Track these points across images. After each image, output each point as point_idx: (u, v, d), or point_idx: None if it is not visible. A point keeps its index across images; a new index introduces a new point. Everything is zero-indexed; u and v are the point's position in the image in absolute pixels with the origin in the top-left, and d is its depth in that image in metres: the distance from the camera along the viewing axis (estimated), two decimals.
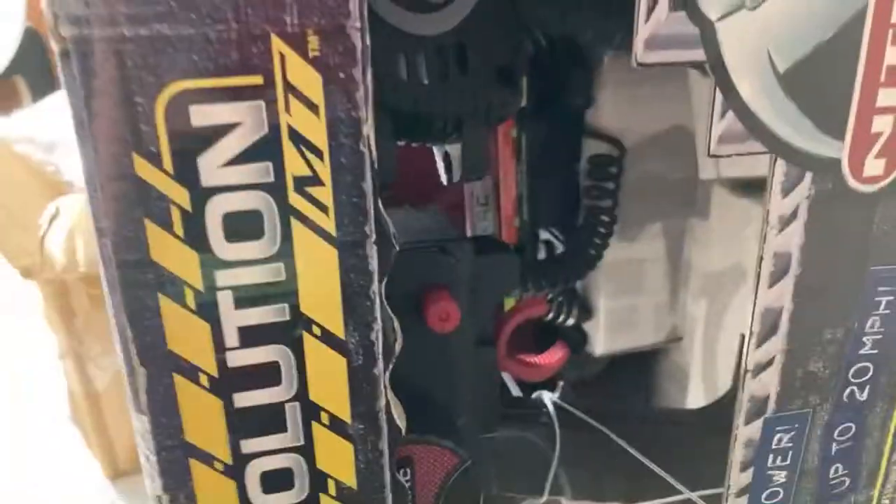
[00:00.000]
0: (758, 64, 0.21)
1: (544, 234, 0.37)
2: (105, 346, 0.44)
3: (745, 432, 0.26)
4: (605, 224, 0.34)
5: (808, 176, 0.23)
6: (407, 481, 0.24)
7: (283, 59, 0.17)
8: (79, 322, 0.43)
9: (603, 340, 0.38)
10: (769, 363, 0.25)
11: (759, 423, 0.26)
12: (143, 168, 0.17)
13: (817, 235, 0.24)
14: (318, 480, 0.22)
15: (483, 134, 0.24)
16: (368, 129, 0.18)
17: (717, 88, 0.21)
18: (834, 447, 0.27)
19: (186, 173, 0.17)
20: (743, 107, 0.21)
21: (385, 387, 0.21)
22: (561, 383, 0.31)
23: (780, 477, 0.27)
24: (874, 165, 0.23)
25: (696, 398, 0.37)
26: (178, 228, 0.18)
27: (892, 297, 0.25)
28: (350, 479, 0.22)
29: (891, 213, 0.24)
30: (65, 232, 0.42)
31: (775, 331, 0.25)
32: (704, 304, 0.37)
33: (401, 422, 0.22)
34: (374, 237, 0.19)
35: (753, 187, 0.32)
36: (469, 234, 0.37)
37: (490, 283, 0.26)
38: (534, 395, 0.30)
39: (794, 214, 0.23)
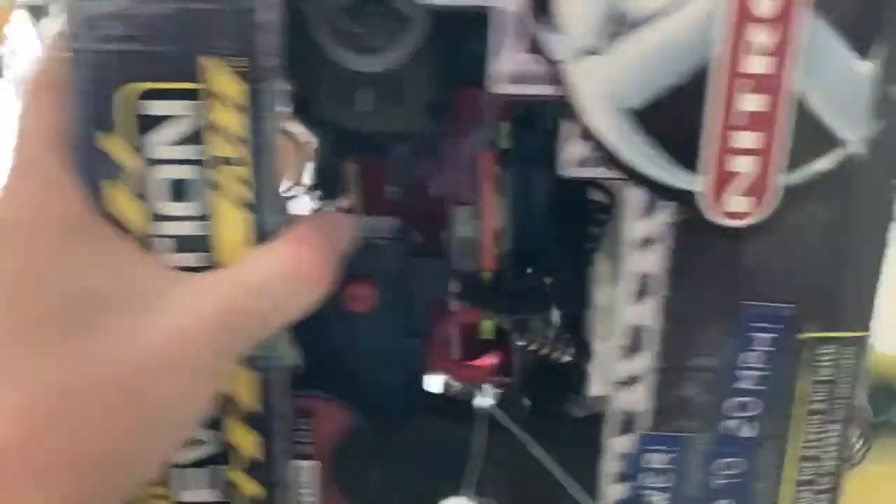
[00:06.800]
0: (610, 101, 0.24)
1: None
2: None
3: (617, 444, 0.28)
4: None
5: (664, 204, 0.25)
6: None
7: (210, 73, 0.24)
8: None
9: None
10: (638, 378, 0.27)
11: (632, 438, 0.27)
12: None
13: (682, 262, 0.26)
14: None
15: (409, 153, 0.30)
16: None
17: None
18: (717, 481, 0.28)
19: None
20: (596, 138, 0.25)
21: None
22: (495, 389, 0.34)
23: (660, 499, 0.28)
24: (739, 203, 0.25)
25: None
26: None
27: (769, 335, 0.26)
28: None
29: (762, 251, 0.26)
30: None
31: (641, 347, 0.27)
32: None
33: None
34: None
35: None
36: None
37: (417, 284, 0.31)
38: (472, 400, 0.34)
39: (652, 238, 0.26)
